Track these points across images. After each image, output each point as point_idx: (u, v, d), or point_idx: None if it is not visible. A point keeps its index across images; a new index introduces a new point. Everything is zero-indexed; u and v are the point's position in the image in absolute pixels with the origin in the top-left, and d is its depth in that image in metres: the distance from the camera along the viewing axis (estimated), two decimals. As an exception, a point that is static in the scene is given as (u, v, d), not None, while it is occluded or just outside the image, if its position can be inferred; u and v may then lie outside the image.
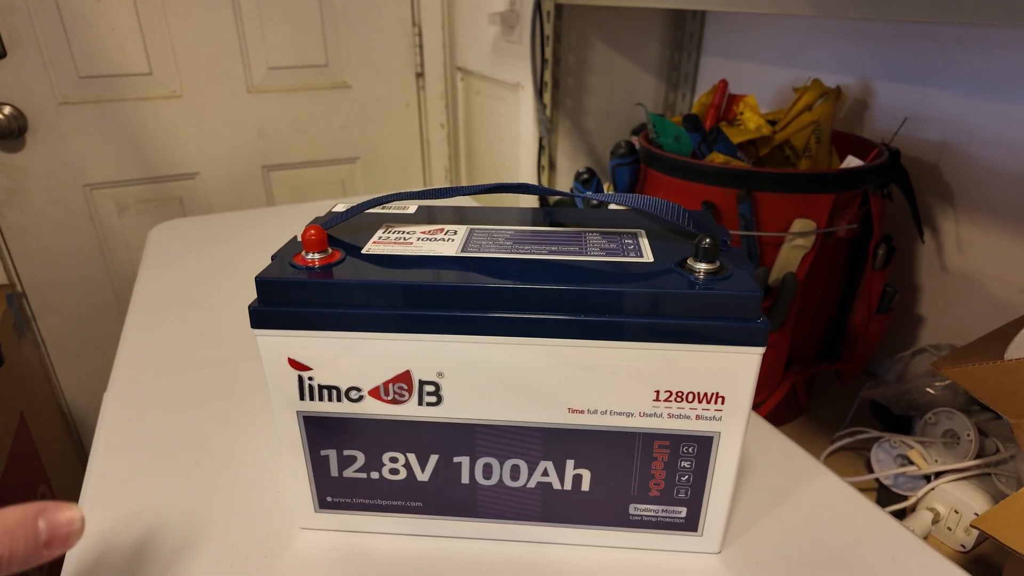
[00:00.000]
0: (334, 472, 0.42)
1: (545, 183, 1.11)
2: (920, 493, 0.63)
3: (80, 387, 1.41)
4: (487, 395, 0.38)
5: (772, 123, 0.83)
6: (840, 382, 0.79)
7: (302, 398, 0.39)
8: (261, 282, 0.36)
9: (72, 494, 1.27)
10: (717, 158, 0.66)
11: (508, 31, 1.12)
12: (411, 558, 0.42)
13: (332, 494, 0.43)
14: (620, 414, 0.38)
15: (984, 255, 0.74)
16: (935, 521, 0.62)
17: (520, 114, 1.12)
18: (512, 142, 1.18)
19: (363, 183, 1.49)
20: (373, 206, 0.44)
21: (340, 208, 0.47)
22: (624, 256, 0.39)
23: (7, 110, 1.16)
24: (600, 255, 0.39)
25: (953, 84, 0.74)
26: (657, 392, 0.37)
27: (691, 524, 0.41)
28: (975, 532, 0.60)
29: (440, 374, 0.38)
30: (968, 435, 0.63)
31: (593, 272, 0.36)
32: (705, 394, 0.37)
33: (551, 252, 0.39)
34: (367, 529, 0.44)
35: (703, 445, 0.38)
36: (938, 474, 0.65)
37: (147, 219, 1.32)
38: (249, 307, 0.37)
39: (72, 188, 1.25)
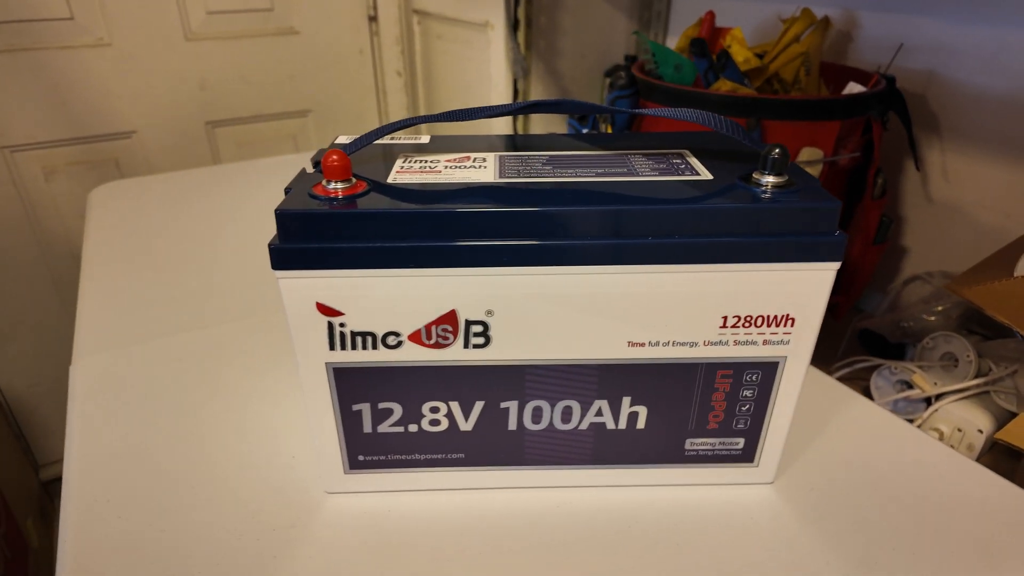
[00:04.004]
0: (367, 428, 0.38)
1: (520, 129, 1.06)
2: (925, 415, 0.64)
3: (15, 370, 1.30)
4: (540, 333, 0.35)
5: (759, 56, 0.81)
6: (834, 316, 0.79)
7: (332, 348, 0.35)
8: (283, 215, 0.31)
9: (11, 483, 1.17)
10: (724, 86, 0.64)
11: (472, -33, 1.06)
12: (453, 514, 0.39)
13: (364, 452, 0.39)
14: (683, 344, 0.35)
15: (970, 183, 0.75)
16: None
17: (490, 57, 1.06)
18: (482, 87, 1.13)
19: (316, 137, 1.40)
20: (390, 131, 0.39)
21: (343, 140, 0.42)
22: (679, 175, 0.36)
23: (-97, 61, 1.02)
24: (653, 175, 0.36)
25: (940, 11, 0.73)
26: (725, 318, 0.35)
27: (748, 455, 0.40)
28: (977, 448, 0.62)
29: (489, 312, 0.34)
30: (968, 356, 0.65)
31: (654, 191, 0.33)
32: (775, 317, 0.35)
33: (599, 175, 0.36)
34: (403, 487, 0.40)
35: (767, 372, 0.36)
36: (938, 396, 0.66)
37: (80, 183, 1.20)
38: (270, 246, 0.32)
39: (-11, 151, 1.12)
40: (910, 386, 0.68)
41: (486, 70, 1.09)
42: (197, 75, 1.23)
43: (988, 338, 0.70)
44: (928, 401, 0.67)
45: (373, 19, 1.34)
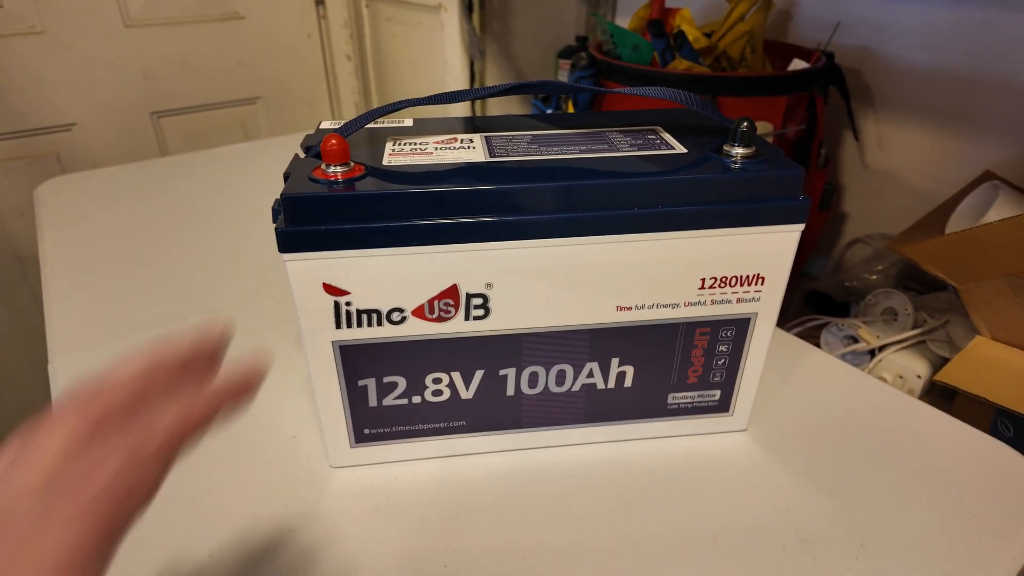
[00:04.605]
0: (372, 402, 0.40)
1: (478, 111, 1.08)
2: (871, 365, 0.70)
3: (-40, 379, 1.24)
4: (537, 302, 0.37)
5: (707, 35, 0.85)
6: (784, 279, 0.85)
7: (339, 326, 0.36)
8: (290, 199, 0.33)
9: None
10: (680, 65, 0.67)
11: (422, -51, 1.05)
12: (456, 479, 0.42)
13: (370, 426, 0.41)
14: (666, 306, 0.38)
15: (902, 151, 0.81)
16: (883, 388, 0.70)
17: (444, 39, 1.07)
18: (436, 70, 1.13)
19: (267, 124, 1.37)
20: (380, 115, 0.40)
21: (327, 125, 0.43)
22: (656, 150, 0.38)
23: None
24: (633, 151, 0.38)
25: (872, -11, 0.79)
26: (703, 280, 0.38)
27: (724, 405, 0.44)
28: (917, 392, 0.68)
29: (489, 285, 0.36)
30: (906, 310, 0.71)
31: (636, 166, 0.36)
32: (747, 276, 0.38)
33: (583, 152, 0.38)
34: (407, 457, 0.42)
35: (741, 327, 0.40)
36: (880, 348, 0.72)
37: (19, 180, 1.14)
38: (277, 230, 0.33)
39: (-85, 148, 1.06)
40: (856, 340, 0.74)
41: (440, 52, 1.09)
42: (139, 63, 1.18)
43: (922, 292, 0.77)
44: (872, 352, 0.73)
45: (320, 2, 1.32)
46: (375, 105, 1.43)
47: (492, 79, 1.07)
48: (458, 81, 1.07)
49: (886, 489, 0.41)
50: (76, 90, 1.14)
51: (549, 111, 0.74)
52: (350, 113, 1.46)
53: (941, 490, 0.41)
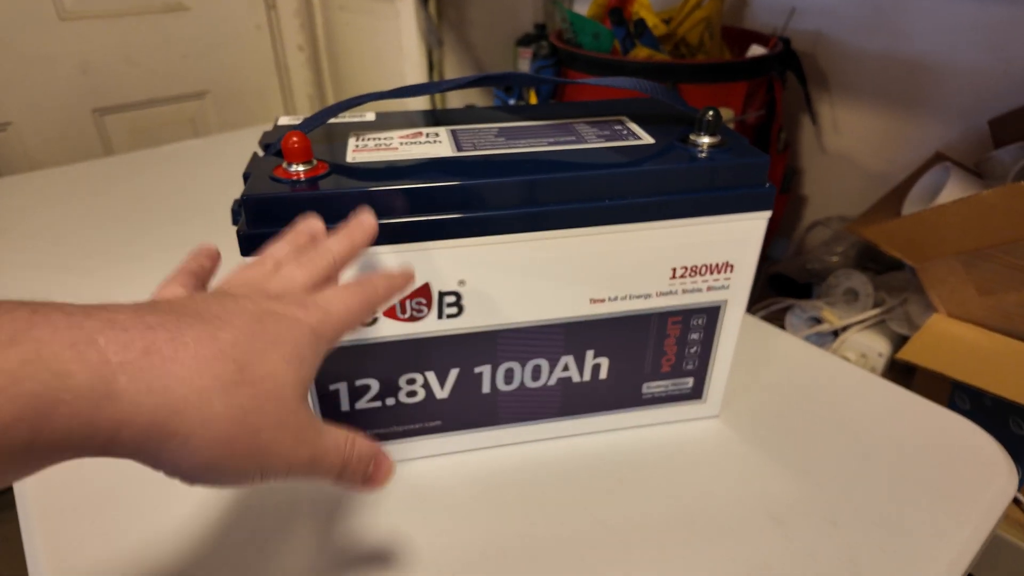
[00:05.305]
0: (344, 407, 0.39)
1: (439, 102, 1.06)
2: (834, 345, 0.72)
3: None
4: (510, 298, 0.37)
5: (666, 22, 0.85)
6: (747, 262, 0.86)
7: (306, 330, 0.35)
8: (252, 200, 0.31)
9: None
10: (641, 52, 0.67)
11: (374, -64, 1.03)
12: (434, 479, 0.41)
13: (343, 430, 0.39)
14: (639, 297, 0.38)
15: (857, 134, 0.83)
16: (845, 366, 0.72)
17: (401, 28, 1.04)
18: (393, 60, 1.11)
19: (216, 119, 1.33)
20: (342, 110, 0.39)
21: (285, 121, 0.41)
22: (624, 140, 0.38)
23: None
24: (601, 142, 0.38)
25: (823, -25, 0.80)
26: (674, 269, 0.38)
27: (696, 392, 0.44)
28: (879, 369, 0.70)
29: (461, 282, 0.36)
30: (867, 290, 0.73)
31: (605, 157, 0.36)
32: (716, 265, 0.38)
33: (551, 144, 0.38)
34: (382, 460, 0.41)
35: (711, 315, 0.40)
36: (844, 328, 0.74)
37: (-49, 184, 1.08)
38: (238, 232, 0.32)
39: None
40: (819, 321, 0.76)
41: (396, 42, 1.07)
42: (77, 58, 1.13)
43: (881, 272, 0.79)
44: (836, 333, 0.75)
45: (269, -9, 1.28)
46: (330, 97, 1.40)
47: (451, 68, 1.06)
48: (416, 71, 1.05)
49: (853, 466, 0.42)
50: (10, 88, 1.08)
51: (512, 101, 0.73)
52: (304, 106, 1.42)
53: (905, 463, 0.42)
